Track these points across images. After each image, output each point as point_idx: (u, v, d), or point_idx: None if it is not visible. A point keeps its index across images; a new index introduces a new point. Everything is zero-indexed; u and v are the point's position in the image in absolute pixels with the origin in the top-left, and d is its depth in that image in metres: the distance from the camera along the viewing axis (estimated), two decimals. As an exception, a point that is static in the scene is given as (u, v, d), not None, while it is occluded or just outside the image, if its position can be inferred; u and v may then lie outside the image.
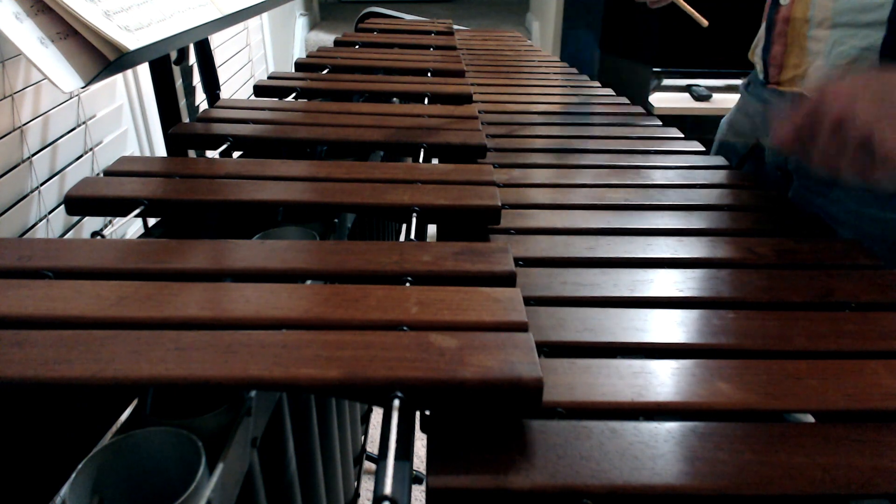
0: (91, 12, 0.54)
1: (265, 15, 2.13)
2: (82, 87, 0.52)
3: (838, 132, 0.46)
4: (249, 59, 1.94)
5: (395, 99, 0.88)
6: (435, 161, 0.67)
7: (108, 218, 0.99)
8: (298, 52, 2.76)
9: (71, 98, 0.99)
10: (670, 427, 0.33)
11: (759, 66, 0.74)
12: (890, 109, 0.44)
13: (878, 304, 0.45)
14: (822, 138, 0.46)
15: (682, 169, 0.70)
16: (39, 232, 0.91)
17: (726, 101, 2.17)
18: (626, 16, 2.18)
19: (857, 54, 0.60)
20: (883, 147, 0.44)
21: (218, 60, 1.36)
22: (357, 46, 1.19)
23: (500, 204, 0.52)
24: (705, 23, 0.88)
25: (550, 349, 0.39)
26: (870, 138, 0.45)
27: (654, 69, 2.22)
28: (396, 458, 0.29)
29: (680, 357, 0.38)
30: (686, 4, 0.87)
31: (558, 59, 1.29)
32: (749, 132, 0.78)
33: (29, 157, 0.89)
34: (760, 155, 0.75)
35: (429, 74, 0.99)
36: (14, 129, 0.86)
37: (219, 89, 1.09)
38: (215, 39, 1.57)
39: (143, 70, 1.19)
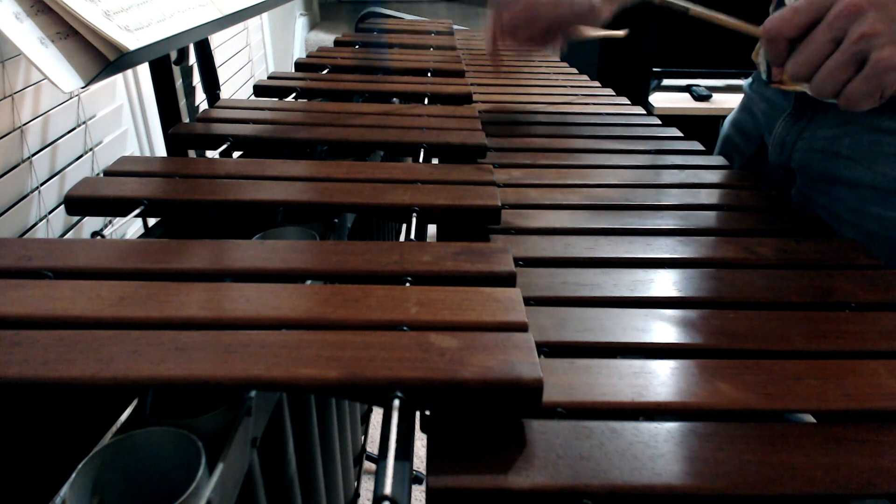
0: (91, 12, 0.54)
1: (265, 15, 2.13)
2: (82, 87, 0.52)
3: (838, 29, 0.44)
4: (249, 59, 1.94)
5: (395, 99, 0.88)
6: (435, 161, 0.67)
7: (108, 218, 0.99)
8: (298, 52, 2.76)
9: (71, 98, 0.99)
10: (670, 427, 0.33)
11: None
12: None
13: (878, 304, 0.45)
14: (819, 31, 0.44)
15: (682, 169, 0.70)
16: (39, 232, 0.91)
17: (726, 101, 2.17)
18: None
19: None
20: (877, 62, 0.43)
21: (218, 60, 1.36)
22: (357, 46, 1.19)
23: (500, 204, 0.52)
24: (622, 34, 0.87)
25: (550, 349, 0.39)
26: (867, 49, 0.43)
27: (654, 69, 2.22)
28: (396, 458, 0.29)
29: (680, 357, 0.38)
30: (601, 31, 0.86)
31: (558, 59, 1.29)
32: (753, 130, 0.78)
33: (29, 157, 0.89)
34: (764, 153, 0.75)
35: (429, 74, 0.99)
36: (14, 129, 0.86)
37: (219, 89, 1.09)
38: (215, 39, 1.57)
39: (143, 70, 1.19)
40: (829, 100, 0.47)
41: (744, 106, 0.82)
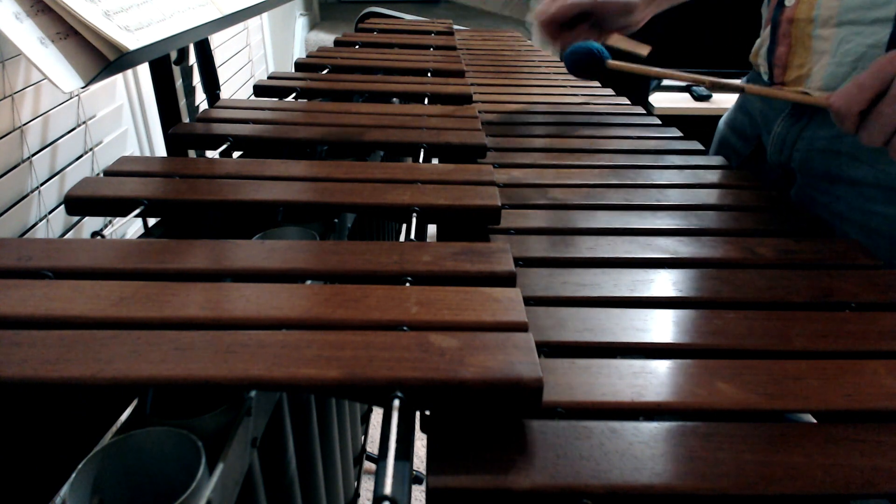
0: (91, 12, 0.54)
1: (265, 15, 2.13)
2: (82, 87, 0.52)
3: None
4: (249, 59, 1.94)
5: (395, 99, 0.88)
6: (435, 161, 0.67)
7: (108, 218, 0.99)
8: (298, 52, 2.76)
9: (71, 98, 0.99)
10: (670, 427, 0.33)
11: (763, 68, 0.74)
12: None
13: (878, 304, 0.45)
14: (886, 104, 0.46)
15: (682, 169, 0.70)
16: (39, 232, 0.91)
17: (726, 101, 2.17)
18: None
19: (863, 52, 0.60)
20: None
21: (218, 60, 1.36)
22: (357, 46, 1.19)
23: (500, 204, 0.52)
24: (645, 52, 0.88)
25: (550, 349, 0.39)
26: None
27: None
28: (396, 458, 0.29)
29: (680, 357, 0.38)
30: (625, 41, 0.86)
31: (558, 59, 1.29)
32: (749, 131, 0.78)
33: (29, 157, 0.89)
34: (761, 154, 0.75)
35: (429, 74, 0.99)
36: (14, 129, 0.86)
37: (219, 89, 1.09)
38: (215, 39, 1.57)
39: (143, 70, 1.19)
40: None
41: (739, 106, 0.82)
